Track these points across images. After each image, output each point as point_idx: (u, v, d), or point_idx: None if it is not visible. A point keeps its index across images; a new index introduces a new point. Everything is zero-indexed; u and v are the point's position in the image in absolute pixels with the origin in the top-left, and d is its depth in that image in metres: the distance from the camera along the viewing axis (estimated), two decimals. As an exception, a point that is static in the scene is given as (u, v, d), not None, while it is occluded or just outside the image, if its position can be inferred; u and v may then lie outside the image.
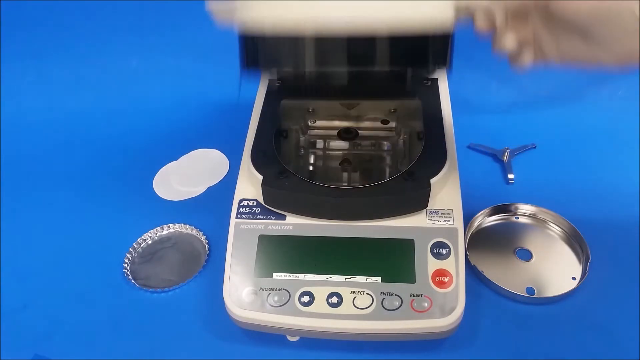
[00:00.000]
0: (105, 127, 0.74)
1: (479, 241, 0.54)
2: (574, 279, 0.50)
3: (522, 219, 0.56)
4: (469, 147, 0.67)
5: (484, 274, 0.49)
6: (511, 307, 0.48)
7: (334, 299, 0.43)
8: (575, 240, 0.53)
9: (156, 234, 0.57)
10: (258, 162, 0.48)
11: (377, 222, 0.46)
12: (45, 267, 0.55)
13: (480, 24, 0.36)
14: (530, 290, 0.49)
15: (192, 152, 0.69)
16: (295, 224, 0.47)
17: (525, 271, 0.51)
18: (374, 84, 0.56)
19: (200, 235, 0.57)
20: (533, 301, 0.48)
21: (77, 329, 0.49)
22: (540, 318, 0.47)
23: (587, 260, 0.50)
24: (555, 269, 0.51)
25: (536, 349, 0.45)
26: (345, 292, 0.43)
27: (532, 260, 0.51)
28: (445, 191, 0.47)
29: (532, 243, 0.53)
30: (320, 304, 0.43)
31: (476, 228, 0.55)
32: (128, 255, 0.55)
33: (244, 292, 0.44)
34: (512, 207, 0.56)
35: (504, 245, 0.53)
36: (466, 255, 0.50)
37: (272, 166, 0.47)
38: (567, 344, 0.45)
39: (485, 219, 0.56)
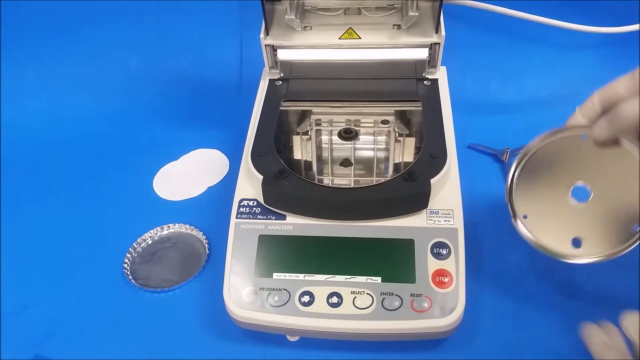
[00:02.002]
0: (105, 127, 0.74)
1: (532, 176, 0.42)
2: (635, 229, 0.39)
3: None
4: (469, 147, 0.67)
5: (526, 227, 0.41)
6: (512, 305, 0.48)
7: (334, 299, 0.43)
8: None
9: (156, 234, 0.57)
10: (258, 162, 0.48)
11: (378, 222, 0.46)
12: (45, 267, 0.55)
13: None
14: (576, 242, 0.40)
15: (192, 152, 0.69)
16: (295, 224, 0.47)
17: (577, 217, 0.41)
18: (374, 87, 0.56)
19: (200, 235, 0.57)
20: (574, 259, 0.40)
21: (77, 329, 0.49)
22: (541, 317, 0.47)
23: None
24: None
25: (536, 348, 0.45)
26: (345, 292, 0.43)
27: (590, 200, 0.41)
28: (445, 191, 0.48)
29: (593, 177, 0.41)
30: (320, 304, 0.43)
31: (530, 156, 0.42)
32: (128, 255, 0.55)
33: (244, 292, 0.44)
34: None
35: (558, 180, 0.41)
36: (511, 214, 0.42)
37: (272, 166, 0.47)
38: (568, 343, 0.45)
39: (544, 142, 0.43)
